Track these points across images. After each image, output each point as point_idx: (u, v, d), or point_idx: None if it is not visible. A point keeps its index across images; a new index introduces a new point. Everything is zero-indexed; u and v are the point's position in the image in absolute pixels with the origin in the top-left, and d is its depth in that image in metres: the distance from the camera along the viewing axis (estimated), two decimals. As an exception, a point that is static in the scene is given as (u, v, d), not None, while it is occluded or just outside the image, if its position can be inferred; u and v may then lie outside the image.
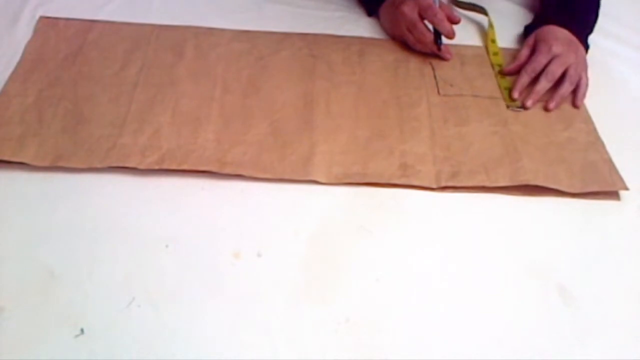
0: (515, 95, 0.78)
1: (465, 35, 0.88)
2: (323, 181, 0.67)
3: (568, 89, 0.78)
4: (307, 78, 0.79)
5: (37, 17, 0.85)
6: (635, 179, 0.69)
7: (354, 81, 0.80)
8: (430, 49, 0.83)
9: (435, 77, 0.81)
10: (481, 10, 0.92)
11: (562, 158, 0.71)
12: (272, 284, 0.58)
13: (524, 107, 0.78)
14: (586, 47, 0.84)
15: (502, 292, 0.59)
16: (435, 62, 0.84)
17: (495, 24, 0.90)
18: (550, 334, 0.56)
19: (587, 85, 0.79)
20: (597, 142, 0.74)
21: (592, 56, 0.83)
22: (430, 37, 0.83)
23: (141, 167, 0.66)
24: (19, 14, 0.85)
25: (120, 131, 0.69)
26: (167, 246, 0.60)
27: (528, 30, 0.87)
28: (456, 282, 0.59)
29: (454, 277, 0.60)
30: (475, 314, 0.57)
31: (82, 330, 0.53)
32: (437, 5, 0.82)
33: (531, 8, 0.96)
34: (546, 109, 0.78)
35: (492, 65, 0.84)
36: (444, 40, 0.83)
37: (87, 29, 0.84)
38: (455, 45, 0.84)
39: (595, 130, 0.75)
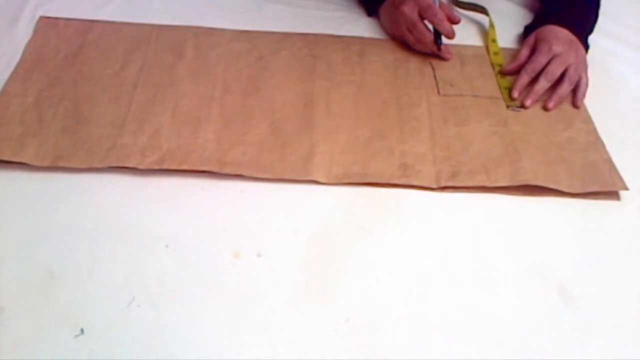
0: (515, 94, 0.78)
1: (465, 35, 0.88)
2: (323, 181, 0.67)
3: (567, 88, 0.78)
4: (307, 78, 0.79)
5: (37, 17, 0.85)
6: (635, 179, 0.69)
7: (354, 81, 0.80)
8: (430, 49, 0.83)
9: (435, 77, 0.81)
10: (482, 10, 0.92)
11: (562, 158, 0.71)
12: (272, 284, 0.58)
13: (523, 106, 0.78)
14: (586, 47, 0.84)
15: (502, 292, 0.59)
16: (435, 62, 0.84)
17: (495, 24, 0.90)
18: (550, 334, 0.56)
19: (587, 85, 0.79)
20: (597, 142, 0.74)
21: (592, 56, 0.83)
22: (430, 37, 0.83)
23: (141, 167, 0.66)
24: (19, 14, 0.85)
25: (120, 131, 0.69)
26: (167, 246, 0.60)
27: (528, 30, 0.87)
28: (456, 282, 0.59)
29: (454, 277, 0.60)
30: (475, 314, 0.57)
31: (82, 330, 0.53)
32: (437, 5, 0.82)
33: (531, 8, 0.96)
34: (545, 108, 0.78)
35: (493, 65, 0.84)
36: (444, 40, 0.83)
37: (87, 29, 0.84)
38: (455, 45, 0.84)
39: (595, 130, 0.75)
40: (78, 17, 0.85)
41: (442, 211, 0.66)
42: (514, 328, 0.57)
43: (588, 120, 0.77)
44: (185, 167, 0.66)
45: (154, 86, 0.76)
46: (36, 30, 0.83)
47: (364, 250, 0.61)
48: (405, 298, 0.58)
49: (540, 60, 0.79)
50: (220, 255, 0.60)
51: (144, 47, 0.81)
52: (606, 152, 0.72)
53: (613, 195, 0.69)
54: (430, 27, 0.83)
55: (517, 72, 0.81)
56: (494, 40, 0.88)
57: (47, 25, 0.84)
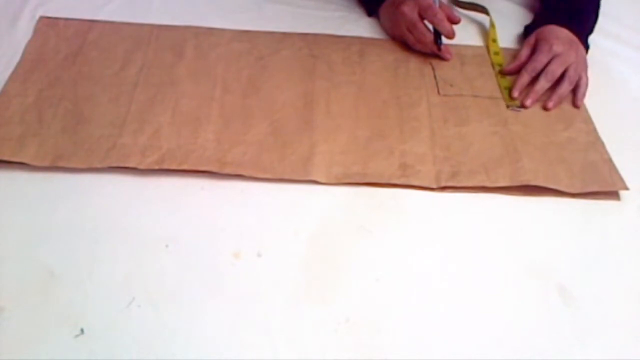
0: (515, 94, 0.78)
1: (465, 35, 0.88)
2: (323, 181, 0.67)
3: (567, 88, 0.78)
4: (307, 78, 0.79)
5: (37, 17, 0.85)
6: (635, 179, 0.69)
7: (354, 81, 0.80)
8: (430, 49, 0.83)
9: (435, 77, 0.81)
10: (482, 9, 0.92)
11: (562, 158, 0.71)
12: (272, 284, 0.58)
13: (523, 106, 0.78)
14: (586, 47, 0.84)
15: (502, 292, 0.59)
16: (435, 62, 0.84)
17: (495, 24, 0.90)
18: (550, 334, 0.56)
19: (587, 85, 0.79)
20: (597, 142, 0.74)
21: (592, 56, 0.83)
22: (430, 37, 0.83)
23: (141, 167, 0.66)
24: (19, 14, 0.85)
25: (120, 131, 0.69)
26: (167, 246, 0.60)
27: (528, 30, 0.87)
28: (456, 282, 0.59)
29: (454, 277, 0.60)
30: (475, 314, 0.57)
31: (82, 330, 0.53)
32: (437, 5, 0.82)
33: (531, 8, 0.95)
34: (545, 108, 0.78)
35: (493, 65, 0.84)
36: (444, 40, 0.83)
37: (87, 29, 0.84)
38: (455, 45, 0.84)
39: (595, 130, 0.75)
40: (78, 17, 0.85)
41: (442, 211, 0.66)
42: (514, 328, 0.57)
43: (588, 120, 0.77)
44: (185, 167, 0.66)
45: (154, 86, 0.76)
46: (36, 30, 0.83)
47: (364, 250, 0.61)
48: (405, 298, 0.58)
49: (541, 59, 0.79)
50: (220, 255, 0.60)
51: (144, 47, 0.81)
52: (606, 152, 0.72)
53: (613, 195, 0.69)
54: (430, 27, 0.83)
55: (517, 72, 0.81)
56: (494, 40, 0.88)
57: (47, 25, 0.84)
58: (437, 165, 0.69)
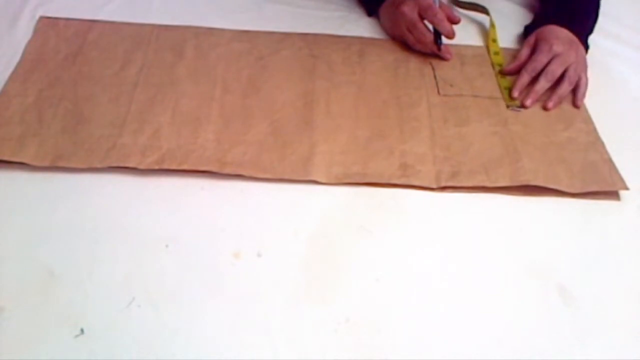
0: (515, 94, 0.78)
1: (465, 35, 0.88)
2: (323, 181, 0.67)
3: (567, 89, 0.78)
4: (307, 78, 0.79)
5: (37, 17, 0.85)
6: (635, 179, 0.69)
7: (354, 81, 0.80)
8: (430, 49, 0.83)
9: (435, 77, 0.81)
10: (482, 9, 0.92)
11: (562, 158, 0.71)
12: (272, 284, 0.58)
13: (523, 106, 0.78)
14: (586, 47, 0.84)
15: (502, 292, 0.59)
16: (435, 62, 0.84)
17: (495, 24, 0.90)
18: (550, 334, 0.56)
19: (586, 85, 0.79)
20: (597, 142, 0.74)
21: (592, 56, 0.83)
22: (430, 37, 0.83)
23: (141, 167, 0.66)
24: (19, 14, 0.85)
25: (120, 131, 0.69)
26: (167, 246, 0.60)
27: (528, 30, 0.87)
28: (456, 282, 0.59)
29: (454, 277, 0.60)
30: (475, 314, 0.57)
31: (82, 330, 0.53)
32: (437, 5, 0.82)
33: (531, 8, 0.96)
34: (545, 108, 0.78)
35: (493, 65, 0.84)
36: (444, 40, 0.83)
37: (87, 29, 0.84)
38: (455, 45, 0.84)
39: (595, 130, 0.75)
40: (78, 17, 0.85)
41: (442, 211, 0.66)
42: (514, 328, 0.57)
43: (588, 120, 0.77)
44: (185, 167, 0.66)
45: (154, 86, 0.76)
46: (36, 30, 0.83)
47: (364, 250, 0.61)
48: (405, 298, 0.58)
49: (541, 59, 0.79)
50: (220, 255, 0.60)
51: (144, 47, 0.81)
52: (606, 152, 0.72)
53: (613, 195, 0.69)
54: (430, 27, 0.83)
55: (517, 72, 0.81)
56: (494, 40, 0.88)
57: (47, 25, 0.84)
58: (437, 165, 0.69)
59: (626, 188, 0.68)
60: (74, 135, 0.69)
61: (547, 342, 0.56)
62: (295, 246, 0.61)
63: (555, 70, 0.78)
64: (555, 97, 0.78)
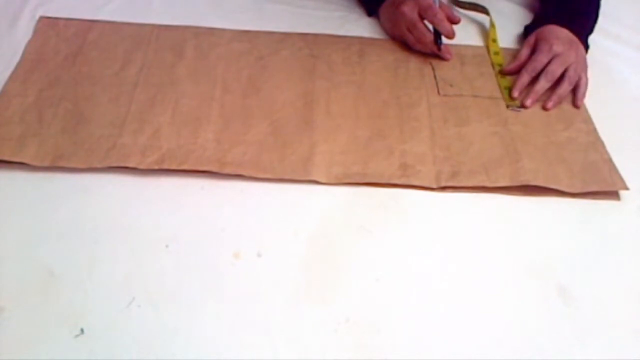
0: (515, 94, 0.78)
1: (465, 35, 0.88)
2: (323, 181, 0.67)
3: (567, 89, 0.78)
4: (307, 78, 0.79)
5: (37, 17, 0.85)
6: (635, 179, 0.69)
7: (354, 81, 0.80)
8: (430, 49, 0.83)
9: (435, 77, 0.81)
10: (482, 9, 0.92)
11: (562, 158, 0.71)
12: (272, 284, 0.58)
13: (523, 106, 0.78)
14: (586, 47, 0.84)
15: (502, 292, 0.59)
16: (435, 62, 0.84)
17: (495, 24, 0.90)
18: (550, 334, 0.56)
19: (586, 85, 0.79)
20: (597, 142, 0.74)
21: (592, 56, 0.83)
22: (430, 37, 0.83)
23: (141, 167, 0.66)
24: (19, 14, 0.85)
25: (120, 131, 0.69)
26: (167, 246, 0.60)
27: (528, 30, 0.87)
28: (456, 282, 0.59)
29: (454, 277, 0.60)
30: (475, 314, 0.57)
31: (82, 330, 0.53)
32: (437, 5, 0.82)
33: (531, 8, 0.96)
34: (544, 108, 0.78)
35: (493, 65, 0.84)
36: (444, 40, 0.83)
37: (87, 29, 0.84)
38: (455, 45, 0.84)
39: (595, 130, 0.75)
40: (78, 17, 0.85)
41: (442, 211, 0.66)
42: (514, 328, 0.57)
43: (588, 120, 0.77)
44: (185, 167, 0.66)
45: (154, 86, 0.76)
46: (36, 30, 0.83)
47: (364, 250, 0.61)
48: (405, 298, 0.58)
49: (541, 59, 0.79)
50: (220, 255, 0.60)
51: (144, 47, 0.81)
52: (606, 152, 0.72)
53: (613, 195, 0.69)
54: (430, 27, 0.83)
55: (517, 72, 0.81)
56: (494, 40, 0.88)
57: (47, 25, 0.84)
58: (437, 165, 0.69)
59: (626, 188, 0.68)
60: (74, 135, 0.69)
61: (547, 342, 0.56)
62: (295, 246, 0.61)
63: (555, 70, 0.78)
64: (555, 97, 0.78)
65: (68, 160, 0.66)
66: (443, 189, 0.67)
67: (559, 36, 0.81)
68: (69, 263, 0.58)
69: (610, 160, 0.71)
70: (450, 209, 0.66)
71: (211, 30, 0.85)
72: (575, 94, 0.79)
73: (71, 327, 0.53)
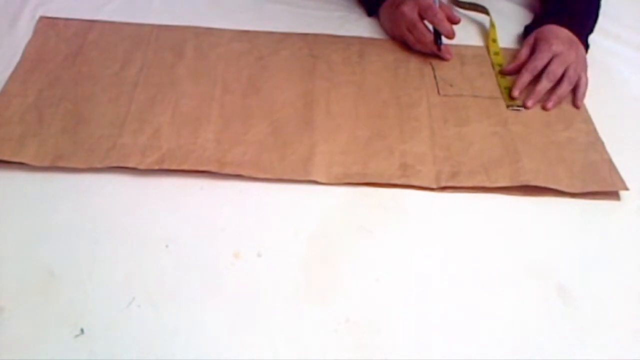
0: (515, 93, 0.78)
1: (465, 35, 0.88)
2: (323, 181, 0.67)
3: (567, 89, 0.78)
4: (307, 78, 0.79)
5: (37, 17, 0.85)
6: (635, 179, 0.69)
7: (354, 81, 0.80)
8: (430, 49, 0.83)
9: (435, 77, 0.81)
10: (482, 9, 0.92)
11: (562, 158, 0.71)
12: (272, 284, 0.58)
13: (525, 106, 0.78)
14: (586, 46, 0.83)
15: (502, 292, 0.59)
16: (435, 62, 0.84)
17: (495, 24, 0.90)
18: (550, 334, 0.56)
19: (586, 85, 0.79)
20: (597, 142, 0.74)
21: (592, 56, 0.83)
22: (430, 37, 0.83)
23: (141, 167, 0.66)
24: (19, 14, 0.85)
25: (120, 131, 0.69)
26: (167, 246, 0.60)
27: (528, 30, 0.87)
28: (456, 282, 0.59)
29: (454, 277, 0.60)
30: (475, 314, 0.57)
31: (82, 330, 0.53)
32: (437, 5, 0.82)
33: (531, 8, 0.96)
34: (544, 108, 0.78)
35: (493, 65, 0.84)
36: (444, 40, 0.83)
37: (87, 29, 0.84)
38: (456, 45, 0.84)
39: (595, 130, 0.75)
40: (78, 17, 0.85)
41: (442, 211, 0.66)
42: (514, 328, 0.57)
43: (588, 120, 0.77)
44: (185, 167, 0.66)
45: (154, 86, 0.76)
46: (36, 30, 0.83)
47: (364, 250, 0.61)
48: (405, 298, 0.58)
49: (541, 58, 0.79)
50: (220, 255, 0.60)
51: (144, 47, 0.81)
52: (606, 152, 0.72)
53: (613, 195, 0.69)
54: (430, 27, 0.83)
55: (517, 71, 0.81)
56: (494, 40, 0.88)
57: (47, 25, 0.84)
58: (437, 165, 0.69)
59: (626, 188, 0.68)
60: (74, 135, 0.69)
61: (547, 342, 0.56)
62: (295, 246, 0.61)
63: (556, 70, 0.78)
64: (554, 97, 0.78)
65: (68, 160, 0.66)
66: (443, 189, 0.67)
67: (558, 36, 0.81)
68: (69, 263, 0.58)
69: (610, 161, 0.71)
70: (450, 209, 0.66)
71: (211, 30, 0.85)
72: (575, 94, 0.79)
73: (71, 327, 0.53)
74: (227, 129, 0.71)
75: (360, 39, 0.87)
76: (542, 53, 0.79)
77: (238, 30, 0.86)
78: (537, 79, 0.79)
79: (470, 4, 0.93)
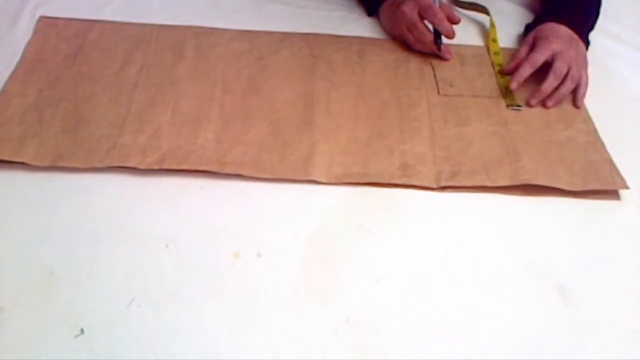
0: (514, 86, 0.77)
1: (465, 35, 0.88)
2: (323, 181, 0.67)
3: (569, 87, 0.78)
4: (307, 78, 0.79)
5: (37, 17, 0.85)
6: (635, 179, 0.69)
7: (354, 81, 0.80)
8: (430, 49, 0.83)
9: (435, 77, 0.81)
10: (483, 9, 0.92)
11: (562, 158, 0.71)
12: (272, 284, 0.58)
13: (528, 105, 0.77)
14: (587, 43, 0.83)
15: (502, 292, 0.59)
16: (435, 62, 0.84)
17: (495, 24, 0.90)
18: (550, 334, 0.56)
19: (587, 84, 0.79)
20: (597, 142, 0.74)
21: (592, 56, 0.83)
22: (430, 37, 0.83)
23: (141, 167, 0.66)
24: (19, 14, 0.85)
25: (120, 131, 0.69)
26: (167, 246, 0.60)
27: (529, 29, 0.87)
28: (456, 282, 0.59)
29: (454, 277, 0.60)
30: (475, 314, 0.57)
31: (82, 330, 0.53)
32: (437, 5, 0.82)
33: (531, 8, 0.96)
34: (545, 106, 0.77)
35: (493, 65, 0.84)
36: (444, 40, 0.83)
37: (87, 29, 0.84)
38: (456, 45, 0.84)
39: (595, 130, 0.75)
40: (78, 17, 0.85)
41: (442, 211, 0.66)
42: (514, 328, 0.57)
43: (588, 120, 0.77)
44: (185, 167, 0.66)
45: (154, 86, 0.76)
46: (36, 30, 0.83)
47: (364, 250, 0.61)
48: (405, 298, 0.58)
49: (542, 52, 0.78)
50: (220, 255, 0.60)
51: (144, 47, 0.81)
52: (606, 152, 0.72)
53: (613, 194, 0.69)
54: (430, 27, 0.83)
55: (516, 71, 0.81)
56: (494, 40, 0.88)
57: (47, 25, 0.84)
58: (437, 165, 0.69)
59: (626, 187, 0.68)
60: (74, 135, 0.69)
61: (547, 342, 0.56)
62: (295, 246, 0.61)
63: (562, 68, 0.77)
64: (556, 96, 0.77)
65: (68, 160, 0.66)
66: (443, 189, 0.67)
67: (558, 34, 0.81)
68: (69, 263, 0.58)
69: (610, 160, 0.71)
70: (450, 209, 0.66)
71: (211, 30, 0.85)
72: (576, 94, 0.79)
73: (71, 327, 0.53)
74: (227, 129, 0.71)
75: (360, 38, 0.87)
76: (542, 50, 0.79)
77: (238, 30, 0.86)
78: (537, 76, 0.78)
79: (470, 3, 0.93)
